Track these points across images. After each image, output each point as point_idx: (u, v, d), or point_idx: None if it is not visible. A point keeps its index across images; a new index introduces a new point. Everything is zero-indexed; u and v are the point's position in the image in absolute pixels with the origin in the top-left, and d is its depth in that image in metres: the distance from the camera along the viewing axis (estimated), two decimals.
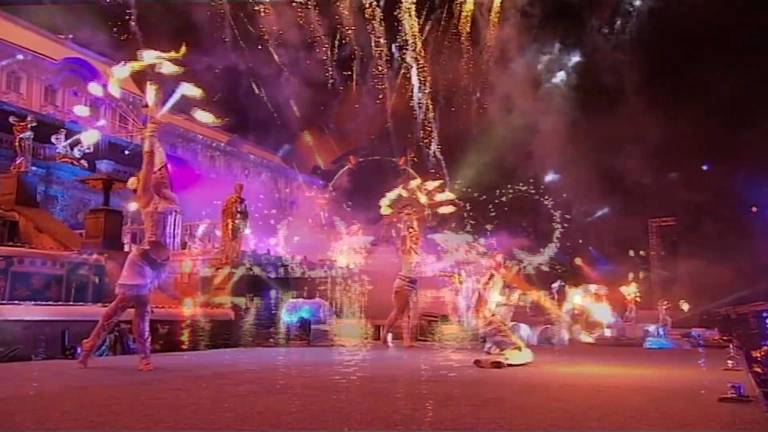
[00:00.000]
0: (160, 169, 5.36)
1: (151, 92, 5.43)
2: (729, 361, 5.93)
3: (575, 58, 33.71)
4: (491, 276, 7.15)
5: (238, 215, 11.94)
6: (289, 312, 10.50)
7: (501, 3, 24.54)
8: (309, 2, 21.93)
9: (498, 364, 5.80)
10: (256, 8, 22.40)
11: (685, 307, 27.87)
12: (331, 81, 24.93)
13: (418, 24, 22.85)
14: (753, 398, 3.77)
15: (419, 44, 23.49)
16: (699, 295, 28.17)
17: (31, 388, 4.10)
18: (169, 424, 2.87)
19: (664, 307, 22.81)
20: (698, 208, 32.07)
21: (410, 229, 9.78)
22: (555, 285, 24.08)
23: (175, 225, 12.83)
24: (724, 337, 17.36)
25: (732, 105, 30.69)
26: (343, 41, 23.36)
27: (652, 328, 20.25)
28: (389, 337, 9.56)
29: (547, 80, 33.18)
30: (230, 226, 11.90)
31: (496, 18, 24.74)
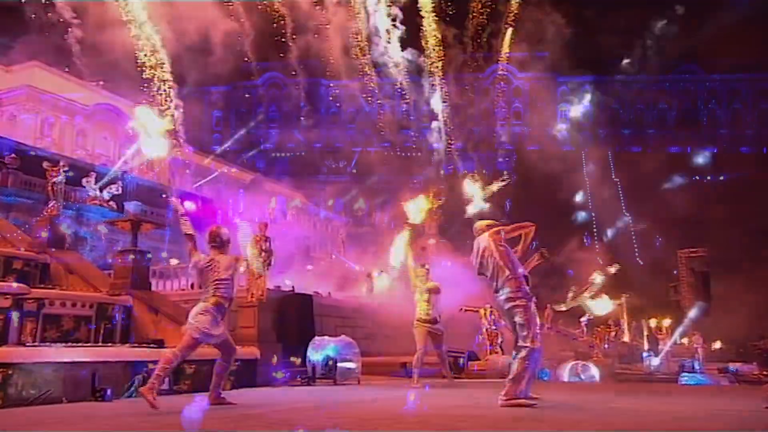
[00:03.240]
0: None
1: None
2: None
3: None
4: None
5: (263, 253, 12.01)
6: (315, 350, 10.41)
7: None
8: None
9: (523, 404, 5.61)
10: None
11: (717, 344, 27.38)
12: None
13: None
14: None
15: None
16: (734, 328, 27.28)
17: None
18: None
19: (699, 342, 22.15)
20: (731, 239, 31.32)
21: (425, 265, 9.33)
22: (584, 319, 23.54)
23: None
24: (764, 372, 16.70)
25: None
26: None
27: (687, 362, 19.58)
28: (416, 374, 9.41)
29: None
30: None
31: None
